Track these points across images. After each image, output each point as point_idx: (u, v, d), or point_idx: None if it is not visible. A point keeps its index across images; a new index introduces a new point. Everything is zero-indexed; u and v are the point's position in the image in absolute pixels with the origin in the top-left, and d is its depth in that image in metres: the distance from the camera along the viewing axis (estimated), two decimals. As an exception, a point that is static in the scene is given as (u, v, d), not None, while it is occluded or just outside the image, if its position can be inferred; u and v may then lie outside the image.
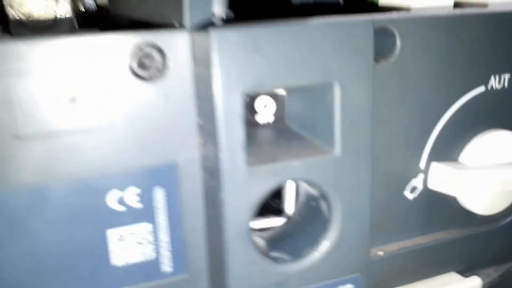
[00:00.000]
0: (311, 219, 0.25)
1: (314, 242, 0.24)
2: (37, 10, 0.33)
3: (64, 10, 0.34)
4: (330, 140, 0.22)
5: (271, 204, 0.28)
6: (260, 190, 0.21)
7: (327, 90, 0.22)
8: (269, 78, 0.20)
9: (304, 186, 0.25)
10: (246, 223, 0.21)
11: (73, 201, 0.21)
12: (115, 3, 0.35)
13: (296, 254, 0.24)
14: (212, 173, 0.22)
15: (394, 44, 0.24)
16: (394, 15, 0.24)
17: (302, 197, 0.26)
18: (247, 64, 0.20)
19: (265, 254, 0.23)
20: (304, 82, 0.21)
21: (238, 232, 0.21)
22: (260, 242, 0.25)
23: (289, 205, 0.27)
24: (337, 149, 0.22)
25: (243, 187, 0.21)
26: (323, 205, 0.24)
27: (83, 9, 0.38)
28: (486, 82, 0.26)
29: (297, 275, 0.23)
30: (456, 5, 0.28)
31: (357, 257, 0.24)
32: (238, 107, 0.20)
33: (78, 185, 0.21)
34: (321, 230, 0.24)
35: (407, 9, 0.29)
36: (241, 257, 0.22)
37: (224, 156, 0.20)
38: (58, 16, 0.34)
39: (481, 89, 0.26)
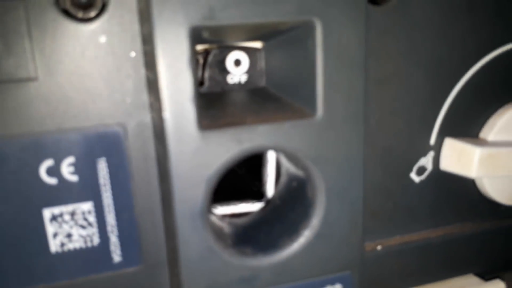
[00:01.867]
0: (292, 203, 0.20)
1: (293, 231, 0.19)
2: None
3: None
4: (311, 100, 0.17)
5: (251, 187, 0.23)
6: (217, 160, 0.16)
7: (308, 34, 0.17)
8: (224, 8, 0.15)
9: (286, 164, 0.20)
10: (200, 201, 0.17)
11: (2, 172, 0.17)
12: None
13: (271, 245, 0.19)
14: (159, 138, 0.17)
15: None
16: None
17: (283, 177, 0.21)
18: (194, 2, 0.15)
19: (233, 244, 0.19)
20: (274, 18, 0.16)
21: (190, 213, 0.17)
22: (229, 229, 0.20)
23: (270, 187, 0.22)
24: (319, 110, 0.17)
25: (194, 155, 0.16)
26: (304, 184, 0.19)
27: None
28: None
29: (269, 271, 0.18)
30: None
31: (347, 250, 0.19)
32: (184, 48, 0.15)
33: (6, 152, 0.17)
34: (302, 216, 0.19)
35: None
36: (195, 244, 0.17)
37: (169, 114, 0.16)
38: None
39: (509, 46, 0.21)
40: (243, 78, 0.21)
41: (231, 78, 0.21)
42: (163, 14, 0.15)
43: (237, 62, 0.20)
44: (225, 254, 0.17)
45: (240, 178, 0.24)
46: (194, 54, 0.16)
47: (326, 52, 0.17)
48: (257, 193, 0.22)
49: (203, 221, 0.17)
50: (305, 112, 0.18)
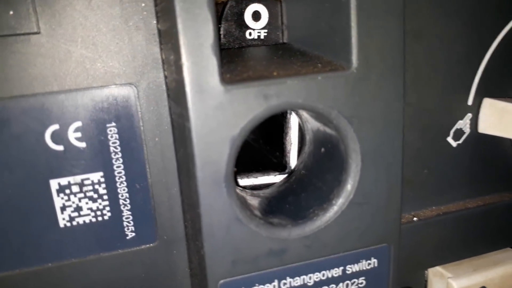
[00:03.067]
0: (320, 172, 0.18)
1: (324, 199, 0.17)
2: None
3: None
4: (344, 51, 0.15)
5: (271, 159, 0.21)
6: (242, 119, 0.15)
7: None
8: None
9: (312, 127, 0.19)
10: (225, 164, 0.15)
11: (2, 136, 0.16)
12: None
13: (300, 215, 0.17)
14: (176, 96, 0.15)
15: None
16: None
17: (308, 146, 0.20)
18: None
19: (259, 214, 0.17)
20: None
21: (213, 177, 0.15)
22: (253, 200, 0.18)
23: (293, 157, 0.20)
24: (354, 61, 0.15)
25: (217, 112, 0.14)
26: (335, 149, 0.17)
27: None
28: None
29: (299, 243, 0.16)
30: None
31: (384, 221, 0.17)
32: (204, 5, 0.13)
33: (6, 114, 0.16)
34: (334, 183, 0.17)
35: None
36: (219, 213, 0.15)
37: (187, 65, 0.14)
38: None
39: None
40: (263, 33, 0.19)
41: (250, 34, 0.19)
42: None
43: (256, 16, 0.19)
44: (252, 225, 0.16)
45: (260, 149, 0.22)
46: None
47: (361, -3, 0.15)
48: (279, 164, 0.21)
49: (228, 187, 0.15)
50: (338, 64, 0.16)
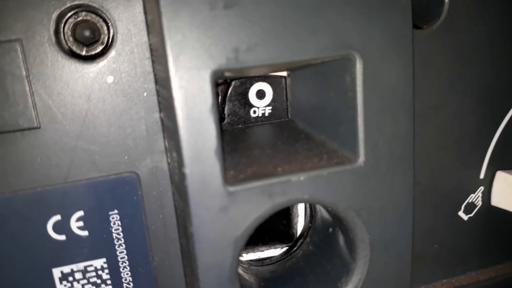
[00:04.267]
0: (329, 253, 0.18)
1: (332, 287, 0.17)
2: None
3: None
4: (351, 142, 0.15)
5: (278, 226, 0.21)
6: (246, 219, 0.14)
7: (345, 68, 0.15)
8: (251, 49, 0.13)
9: (319, 207, 0.18)
10: (228, 266, 0.14)
11: (5, 230, 0.16)
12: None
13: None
14: (180, 194, 0.15)
15: (440, 2, 0.16)
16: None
17: (318, 220, 0.19)
18: (215, 32, 0.13)
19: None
20: (306, 55, 0.14)
21: (217, 281, 0.14)
22: (257, 282, 0.18)
23: (300, 229, 0.20)
24: (361, 154, 0.15)
25: (221, 216, 0.14)
26: (345, 233, 0.17)
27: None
28: None
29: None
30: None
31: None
32: (206, 94, 0.13)
33: (9, 209, 0.16)
34: (341, 271, 0.17)
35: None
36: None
37: (189, 170, 0.13)
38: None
39: None
40: (267, 111, 0.19)
41: (254, 112, 0.18)
42: (180, 58, 0.13)
43: (260, 94, 0.18)
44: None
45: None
46: (217, 100, 0.13)
47: (368, 89, 0.14)
48: (285, 235, 0.20)
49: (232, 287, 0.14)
50: (344, 156, 0.15)
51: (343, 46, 0.14)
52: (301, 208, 0.20)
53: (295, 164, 0.15)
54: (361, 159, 0.15)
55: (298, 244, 0.19)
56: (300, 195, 0.15)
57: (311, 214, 0.19)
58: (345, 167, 0.15)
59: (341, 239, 0.17)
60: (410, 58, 0.15)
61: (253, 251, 0.20)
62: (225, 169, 0.14)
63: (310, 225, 0.19)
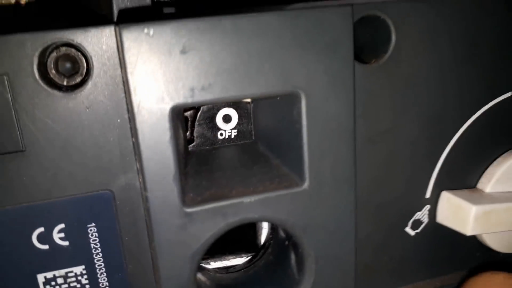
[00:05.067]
0: (285, 263, 0.20)
1: (283, 294, 0.19)
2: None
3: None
4: (298, 168, 0.17)
5: (244, 236, 0.23)
6: (202, 236, 0.16)
7: (292, 102, 0.16)
8: (206, 88, 0.15)
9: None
10: (186, 277, 0.16)
11: None
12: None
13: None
14: (146, 211, 0.17)
15: (387, 37, 0.18)
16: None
17: (279, 231, 0.21)
18: (173, 73, 0.15)
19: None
20: (255, 93, 0.16)
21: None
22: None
23: (263, 240, 0.22)
24: (306, 179, 0.17)
25: (179, 233, 0.16)
26: (296, 246, 0.19)
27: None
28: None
29: None
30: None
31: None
32: (166, 128, 0.15)
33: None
34: (293, 279, 0.19)
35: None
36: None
37: (151, 194, 0.15)
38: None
39: (507, 95, 0.20)
40: (233, 133, 0.20)
41: (221, 134, 0.20)
42: (142, 95, 0.15)
43: (227, 118, 0.20)
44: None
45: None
46: (176, 131, 0.15)
47: (312, 121, 0.16)
48: (250, 245, 0.22)
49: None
50: (293, 180, 0.17)
51: (289, 85, 0.16)
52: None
53: (248, 187, 0.17)
54: (307, 183, 0.17)
55: (261, 254, 0.21)
56: (251, 215, 0.16)
57: (273, 227, 0.21)
58: (292, 190, 0.17)
59: (292, 253, 0.19)
60: (351, 93, 0.16)
61: (221, 260, 0.22)
62: (184, 192, 0.16)
63: (271, 236, 0.21)
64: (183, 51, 0.14)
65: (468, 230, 0.19)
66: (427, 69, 0.19)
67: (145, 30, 0.14)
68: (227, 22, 0.15)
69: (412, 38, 0.18)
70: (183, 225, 0.16)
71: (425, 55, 0.19)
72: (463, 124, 0.20)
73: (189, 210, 0.16)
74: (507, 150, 0.21)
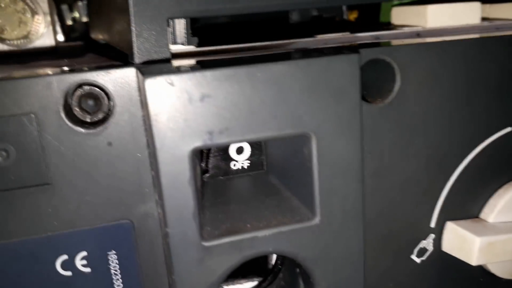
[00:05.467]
0: (294, 288, 0.21)
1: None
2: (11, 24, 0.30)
3: (41, 25, 0.31)
4: (309, 203, 0.18)
5: (257, 261, 0.24)
6: (220, 268, 0.17)
7: (303, 143, 0.17)
8: (223, 131, 0.16)
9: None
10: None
11: (20, 268, 0.19)
12: (92, 23, 0.32)
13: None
14: (164, 246, 0.18)
15: (392, 78, 0.19)
16: (392, 42, 0.20)
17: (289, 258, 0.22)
18: (193, 119, 0.16)
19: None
20: (268, 135, 0.17)
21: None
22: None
23: (275, 265, 0.23)
24: (317, 215, 0.18)
25: (198, 266, 0.17)
26: (305, 275, 0.20)
27: (70, 22, 0.35)
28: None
29: None
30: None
31: None
32: (186, 168, 0.16)
33: (24, 251, 0.18)
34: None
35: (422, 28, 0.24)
36: None
37: (171, 230, 0.16)
38: (33, 32, 0.30)
39: (507, 130, 0.21)
40: (246, 164, 0.21)
41: (234, 165, 0.21)
42: (164, 138, 0.16)
43: (240, 150, 0.21)
44: None
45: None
46: (195, 170, 0.16)
47: (322, 160, 0.17)
48: (262, 269, 0.23)
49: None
50: (304, 214, 0.18)
51: (300, 127, 0.17)
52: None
53: (262, 221, 0.18)
54: (318, 217, 0.18)
55: (271, 279, 0.22)
56: (265, 248, 0.17)
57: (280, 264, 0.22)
58: (304, 224, 0.18)
59: (305, 281, 0.20)
60: (359, 133, 0.17)
61: (233, 284, 0.23)
62: (202, 227, 0.17)
63: (283, 262, 0.22)
64: (202, 99, 0.16)
65: (473, 260, 0.20)
66: (430, 108, 0.20)
67: (167, 80, 0.15)
68: (242, 72, 0.16)
69: (416, 79, 0.19)
70: (201, 258, 0.17)
71: (428, 95, 0.20)
72: (465, 159, 0.21)
73: (207, 244, 0.17)
74: (507, 182, 0.22)
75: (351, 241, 0.18)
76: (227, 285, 0.23)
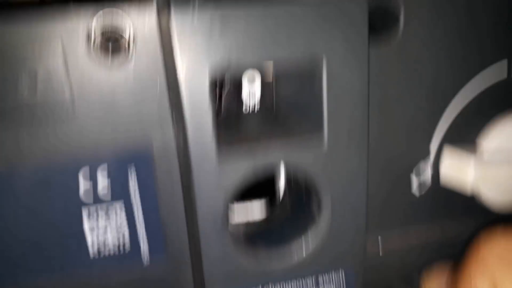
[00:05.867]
0: (302, 208, 0.23)
1: (301, 235, 0.21)
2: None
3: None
4: (318, 126, 0.20)
5: (263, 187, 0.26)
6: (234, 173, 0.19)
7: (315, 72, 0.19)
8: (240, 52, 0.17)
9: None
10: (221, 214, 0.19)
11: (46, 180, 0.20)
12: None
13: (282, 251, 0.21)
14: (183, 158, 0.19)
15: (397, 12, 0.20)
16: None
17: (293, 192, 0.24)
18: (214, 46, 0.17)
19: (248, 245, 0.21)
20: (285, 55, 0.18)
21: (211, 226, 0.19)
22: (243, 229, 0.23)
23: (281, 189, 0.25)
24: (325, 134, 0.19)
25: (214, 168, 0.19)
26: (313, 195, 0.21)
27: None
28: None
29: (280, 272, 0.21)
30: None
31: (350, 253, 0.22)
32: (205, 89, 0.18)
33: (50, 164, 0.20)
34: (310, 222, 0.21)
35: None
36: (215, 252, 0.20)
37: (191, 133, 0.18)
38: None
39: (503, 62, 0.22)
40: (256, 107, 0.23)
41: (245, 108, 0.23)
42: (186, 66, 0.17)
43: (251, 94, 0.22)
44: (242, 260, 0.20)
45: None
46: (214, 88, 0.18)
47: (331, 84, 0.19)
48: (271, 196, 0.25)
49: (223, 233, 0.19)
50: (313, 132, 0.20)
51: (312, 49, 0.18)
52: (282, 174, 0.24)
53: (273, 136, 0.19)
54: (325, 136, 0.19)
55: (280, 202, 0.24)
56: (276, 158, 0.19)
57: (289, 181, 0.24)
58: (313, 140, 0.19)
59: (311, 199, 0.21)
60: (365, 60, 0.19)
61: (243, 201, 0.24)
62: (219, 135, 0.18)
63: (289, 188, 0.24)
64: (222, 28, 0.17)
65: (468, 180, 0.22)
66: (432, 41, 0.21)
67: (191, 14, 0.16)
68: (263, 9, 0.17)
69: (419, 14, 0.20)
70: (218, 163, 0.18)
71: (431, 28, 0.21)
72: (463, 88, 0.22)
73: (223, 149, 0.18)
74: (504, 110, 0.23)
75: (357, 164, 0.20)
76: (237, 203, 0.24)
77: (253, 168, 0.19)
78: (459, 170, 0.22)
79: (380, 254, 0.23)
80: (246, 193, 0.25)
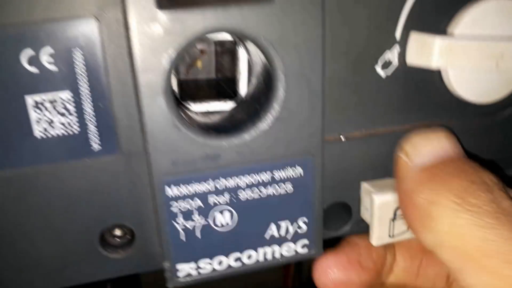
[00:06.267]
0: (259, 96, 0.21)
1: (255, 116, 0.20)
2: None
3: None
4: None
5: (224, 87, 0.24)
6: (175, 38, 0.17)
7: None
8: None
9: (257, 61, 0.21)
10: (163, 78, 0.18)
11: None
12: None
13: (234, 128, 0.20)
14: (124, 22, 0.18)
15: None
16: None
17: (255, 78, 0.22)
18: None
19: (199, 128, 0.20)
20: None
21: (153, 92, 0.18)
22: (200, 119, 0.22)
23: (242, 86, 0.23)
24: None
25: (154, 33, 0.17)
26: (269, 74, 0.20)
27: None
28: None
29: (232, 150, 0.20)
30: None
31: (308, 136, 0.20)
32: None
33: None
34: (265, 104, 0.20)
35: None
36: (159, 120, 0.18)
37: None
38: None
39: None
40: None
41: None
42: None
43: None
44: (190, 132, 0.19)
45: (214, 78, 0.25)
46: None
47: None
48: (230, 92, 0.24)
49: (167, 98, 0.18)
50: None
51: None
52: (243, 67, 0.23)
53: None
54: (276, -1, 0.18)
55: (240, 99, 0.23)
56: (219, 24, 0.18)
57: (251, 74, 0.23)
58: (261, 4, 0.18)
59: (268, 83, 0.20)
60: None
61: (201, 103, 0.23)
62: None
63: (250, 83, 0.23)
64: None
65: (433, 62, 0.21)
66: None
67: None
68: None
69: None
70: (159, 25, 0.17)
71: None
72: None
73: (164, 12, 0.17)
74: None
75: (310, 24, 0.18)
76: (195, 104, 0.23)
77: (200, 29, 0.17)
78: (424, 53, 0.21)
79: (342, 139, 0.22)
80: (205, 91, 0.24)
